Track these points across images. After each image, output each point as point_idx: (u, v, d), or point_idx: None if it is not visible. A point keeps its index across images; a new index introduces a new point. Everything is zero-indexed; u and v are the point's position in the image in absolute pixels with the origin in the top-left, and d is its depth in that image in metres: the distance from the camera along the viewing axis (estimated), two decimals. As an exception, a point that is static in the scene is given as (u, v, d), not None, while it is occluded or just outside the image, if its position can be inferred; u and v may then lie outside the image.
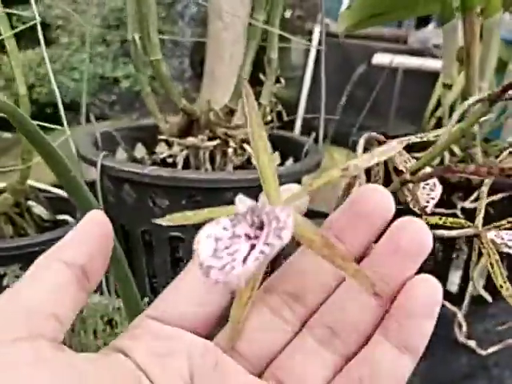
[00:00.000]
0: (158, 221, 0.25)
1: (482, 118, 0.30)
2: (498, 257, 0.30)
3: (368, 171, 0.34)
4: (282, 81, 0.68)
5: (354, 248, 0.23)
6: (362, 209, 0.23)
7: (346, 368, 0.23)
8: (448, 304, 0.67)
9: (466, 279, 0.67)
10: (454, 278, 0.67)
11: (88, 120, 0.63)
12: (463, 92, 0.61)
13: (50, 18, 1.67)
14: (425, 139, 0.32)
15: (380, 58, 1.55)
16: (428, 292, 0.22)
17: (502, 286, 0.29)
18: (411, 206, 0.33)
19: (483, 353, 0.66)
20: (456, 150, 0.66)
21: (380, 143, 0.33)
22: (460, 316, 0.65)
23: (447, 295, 0.69)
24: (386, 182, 0.33)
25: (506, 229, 0.31)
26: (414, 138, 0.32)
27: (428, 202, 0.33)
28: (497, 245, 0.30)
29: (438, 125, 0.73)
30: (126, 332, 0.24)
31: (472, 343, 0.66)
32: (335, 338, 0.23)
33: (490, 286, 0.33)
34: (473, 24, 0.51)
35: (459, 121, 0.29)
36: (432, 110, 0.72)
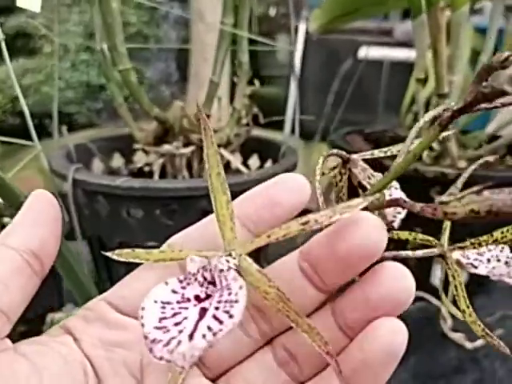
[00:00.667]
0: (109, 254, 0.25)
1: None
2: (461, 279, 0.29)
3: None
4: (257, 83, 0.68)
5: (330, 281, 0.22)
6: (342, 245, 0.21)
7: None
8: (432, 298, 0.67)
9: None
10: (438, 272, 0.67)
11: (60, 132, 0.62)
12: (435, 87, 0.61)
13: (33, 27, 1.67)
14: (388, 153, 0.32)
15: (366, 52, 1.54)
16: (390, 337, 0.20)
17: (464, 311, 0.28)
18: None
19: (470, 346, 0.66)
20: (434, 144, 0.66)
21: (344, 160, 0.32)
22: (444, 310, 0.65)
23: (431, 289, 0.69)
24: (351, 198, 0.32)
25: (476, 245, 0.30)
26: (377, 153, 0.32)
27: (395, 216, 0.32)
28: (463, 265, 0.30)
29: (415, 120, 0.73)
30: (79, 312, 0.23)
31: (458, 336, 0.66)
32: (293, 362, 0.23)
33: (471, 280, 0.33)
34: (437, 19, 0.51)
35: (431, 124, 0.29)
36: (408, 105, 0.72)
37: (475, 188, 0.62)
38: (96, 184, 0.54)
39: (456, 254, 0.30)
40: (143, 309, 0.19)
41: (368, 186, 0.32)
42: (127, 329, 0.22)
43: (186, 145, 0.64)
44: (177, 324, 0.18)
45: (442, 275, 0.67)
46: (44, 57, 1.71)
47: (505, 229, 0.28)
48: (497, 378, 0.78)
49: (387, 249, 0.24)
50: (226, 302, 0.18)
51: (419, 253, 0.30)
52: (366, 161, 0.33)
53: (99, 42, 0.60)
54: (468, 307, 0.28)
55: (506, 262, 0.29)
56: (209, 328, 0.17)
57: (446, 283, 0.68)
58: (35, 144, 0.55)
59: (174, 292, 0.20)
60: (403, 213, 0.33)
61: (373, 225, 0.21)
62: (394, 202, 0.24)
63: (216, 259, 0.21)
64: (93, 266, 0.65)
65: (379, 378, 0.21)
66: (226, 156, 0.64)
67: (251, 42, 0.64)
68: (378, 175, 0.33)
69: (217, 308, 0.18)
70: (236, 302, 0.18)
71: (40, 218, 0.22)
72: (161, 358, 0.17)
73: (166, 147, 0.63)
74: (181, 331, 0.18)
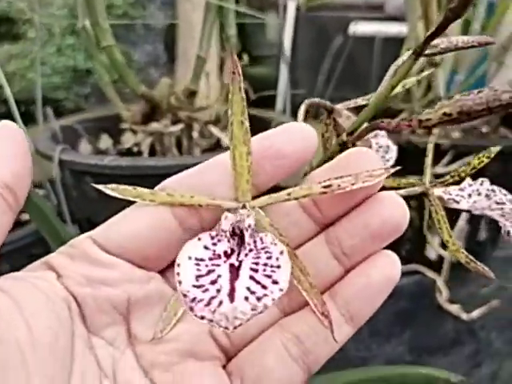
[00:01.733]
0: (100, 187, 0.23)
1: (422, 75, 0.29)
2: (443, 213, 0.29)
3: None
4: (245, 57, 0.66)
5: (328, 213, 0.23)
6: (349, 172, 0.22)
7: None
8: (428, 271, 0.67)
9: (444, 245, 0.66)
10: (433, 245, 0.67)
11: (45, 116, 0.61)
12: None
13: (15, 12, 1.63)
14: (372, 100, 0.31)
15: (356, 28, 1.52)
16: (386, 269, 0.22)
17: (448, 241, 0.28)
18: None
19: (466, 317, 0.66)
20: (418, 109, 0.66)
21: (328, 110, 0.32)
22: (440, 282, 0.65)
23: (427, 262, 0.69)
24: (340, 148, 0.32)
25: (452, 184, 0.30)
26: (360, 101, 0.31)
27: (385, 164, 0.32)
28: (445, 201, 0.30)
29: (408, 92, 0.72)
30: (64, 249, 0.22)
31: (455, 308, 0.66)
32: (301, 345, 0.22)
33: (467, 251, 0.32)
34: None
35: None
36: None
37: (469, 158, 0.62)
38: (83, 164, 0.53)
39: (438, 191, 0.30)
40: (179, 265, 0.18)
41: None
42: (113, 267, 0.22)
43: (174, 123, 0.63)
44: (213, 282, 0.18)
45: (439, 246, 0.67)
46: (29, 42, 1.68)
47: (480, 154, 0.28)
48: (493, 348, 0.78)
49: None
50: (265, 265, 0.18)
51: (402, 191, 0.30)
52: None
53: (81, 19, 0.58)
54: (450, 237, 0.28)
55: (487, 195, 0.29)
56: (249, 290, 0.17)
57: (441, 256, 0.67)
58: (19, 125, 0.54)
59: (206, 248, 0.19)
60: (392, 160, 0.33)
61: (373, 159, 0.22)
62: (374, 125, 0.24)
63: (246, 215, 0.20)
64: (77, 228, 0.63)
65: (376, 302, 0.22)
66: (215, 133, 0.62)
67: (240, 17, 0.63)
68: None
69: (255, 270, 0.18)
70: (278, 267, 0.18)
71: (9, 151, 0.21)
72: (202, 318, 0.17)
73: (154, 126, 0.61)
74: (219, 290, 0.17)
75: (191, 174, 0.23)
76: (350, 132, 0.26)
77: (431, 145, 0.31)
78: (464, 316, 0.64)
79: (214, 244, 0.19)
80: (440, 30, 0.21)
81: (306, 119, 0.32)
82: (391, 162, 0.34)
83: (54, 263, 0.22)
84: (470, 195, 0.29)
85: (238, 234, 0.20)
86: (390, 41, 1.52)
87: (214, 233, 0.20)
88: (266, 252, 0.18)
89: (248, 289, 0.17)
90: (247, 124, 0.21)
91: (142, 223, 0.22)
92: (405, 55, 0.26)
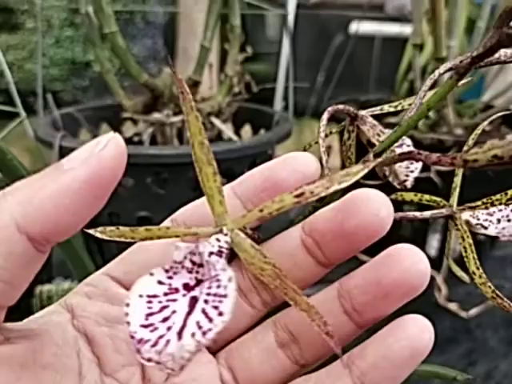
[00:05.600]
0: (91, 231, 0.23)
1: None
2: (471, 241, 0.27)
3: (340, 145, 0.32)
4: (249, 50, 0.65)
5: (333, 257, 0.21)
6: (350, 221, 0.20)
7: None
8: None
9: (444, 242, 0.66)
10: (433, 242, 0.67)
11: (46, 105, 0.60)
12: (433, 52, 0.59)
13: (14, 2, 1.61)
14: (399, 107, 0.30)
15: (357, 27, 1.52)
16: (411, 338, 0.20)
17: (474, 273, 0.27)
18: (390, 180, 0.31)
19: (465, 315, 0.66)
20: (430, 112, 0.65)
21: (351, 116, 0.31)
22: (439, 280, 0.65)
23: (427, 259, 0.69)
24: (360, 157, 0.31)
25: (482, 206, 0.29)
26: (386, 108, 0.30)
27: (407, 175, 0.31)
28: (472, 226, 0.29)
29: (411, 89, 0.71)
30: (80, 288, 0.22)
31: (453, 306, 0.66)
32: (294, 344, 0.22)
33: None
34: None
35: (431, 88, 0.28)
36: (403, 73, 0.70)
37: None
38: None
39: (465, 215, 0.28)
40: (128, 305, 0.17)
41: (377, 144, 0.31)
42: None
43: (176, 113, 0.62)
44: (165, 320, 0.16)
45: (439, 244, 0.67)
46: (27, 32, 1.66)
47: None
48: (488, 347, 0.78)
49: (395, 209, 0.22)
50: (214, 295, 0.17)
51: (427, 213, 0.29)
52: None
53: (84, 4, 0.58)
54: (478, 268, 0.27)
55: None
56: (198, 325, 0.16)
57: (441, 253, 0.67)
58: (19, 111, 0.53)
59: (161, 283, 0.18)
60: (416, 171, 0.31)
61: (381, 202, 0.20)
62: (407, 155, 0.23)
63: (204, 243, 0.19)
64: (82, 240, 0.63)
65: (398, 376, 0.20)
66: (217, 125, 0.62)
67: (243, 8, 0.62)
68: (389, 132, 0.31)
69: (206, 301, 0.17)
70: (225, 296, 0.16)
71: None
72: (149, 360, 0.16)
73: (156, 115, 0.61)
74: (169, 328, 0.16)
75: (200, 204, 0.22)
76: (377, 153, 0.25)
77: (460, 171, 0.30)
78: (463, 314, 0.64)
79: (170, 277, 0.18)
80: (489, 53, 0.20)
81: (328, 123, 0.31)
82: (416, 174, 0.32)
83: (70, 304, 0.21)
84: (498, 221, 0.28)
85: (201, 265, 0.18)
86: (389, 41, 1.52)
87: (167, 266, 0.18)
88: (217, 280, 0.17)
89: (197, 323, 0.16)
90: (207, 143, 0.20)
91: (154, 254, 0.22)
92: (441, 69, 0.25)
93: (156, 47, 1.80)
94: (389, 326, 0.20)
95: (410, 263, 0.20)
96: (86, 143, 0.16)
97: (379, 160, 0.25)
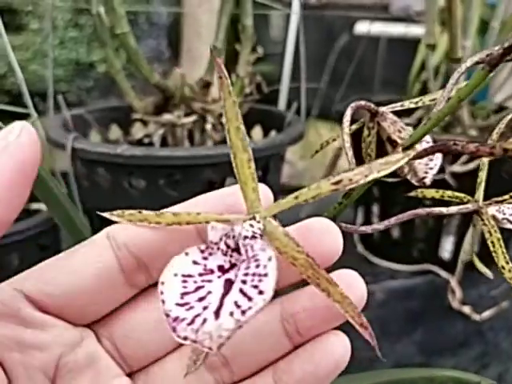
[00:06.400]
0: (106, 215, 0.22)
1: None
2: (499, 235, 0.27)
3: (359, 142, 0.31)
4: (260, 50, 0.65)
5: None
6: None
7: None
8: (441, 271, 0.66)
9: (458, 245, 0.65)
10: (446, 245, 0.66)
11: (57, 107, 0.59)
12: (447, 52, 0.59)
13: (18, 3, 1.61)
14: (420, 104, 0.30)
15: (362, 28, 1.52)
16: (338, 353, 0.21)
17: (504, 267, 0.26)
18: (408, 177, 0.30)
19: (478, 318, 0.66)
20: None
21: (372, 113, 0.30)
22: (453, 282, 0.64)
23: (440, 262, 0.68)
24: (380, 154, 0.30)
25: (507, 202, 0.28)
26: (407, 104, 0.30)
27: (427, 172, 0.30)
28: (498, 221, 0.28)
29: (424, 90, 0.71)
30: None
31: (466, 309, 0.66)
32: (224, 367, 0.21)
33: (483, 252, 0.31)
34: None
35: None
36: (416, 74, 0.70)
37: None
38: (96, 153, 0.51)
39: (492, 209, 0.28)
40: (163, 283, 0.17)
41: (399, 141, 0.30)
42: (46, 328, 0.20)
43: (187, 114, 0.61)
44: (201, 299, 0.16)
45: (453, 247, 0.66)
46: (31, 33, 1.66)
47: None
48: (500, 350, 0.78)
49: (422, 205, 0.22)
50: (253, 274, 0.16)
51: (453, 209, 0.28)
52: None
53: (95, 4, 0.57)
54: (507, 263, 0.27)
55: None
56: (236, 304, 0.16)
57: (455, 256, 0.66)
58: (31, 112, 0.52)
59: (196, 263, 0.18)
60: (436, 168, 0.31)
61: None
62: (441, 147, 0.22)
63: (239, 225, 0.19)
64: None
65: None
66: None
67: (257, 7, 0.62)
68: (409, 129, 0.30)
69: (244, 282, 0.16)
70: (265, 275, 0.16)
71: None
72: (185, 338, 0.15)
73: (167, 117, 0.60)
74: (205, 307, 0.16)
75: (207, 198, 0.22)
76: (405, 147, 0.24)
77: (485, 167, 0.30)
78: (477, 317, 0.64)
79: (205, 258, 0.18)
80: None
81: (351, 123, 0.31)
82: (435, 171, 0.31)
83: None
84: None
85: (235, 249, 0.18)
86: (394, 41, 1.51)
87: (203, 246, 0.18)
88: (256, 260, 0.17)
89: (235, 303, 0.16)
90: (243, 129, 0.19)
91: (85, 277, 0.20)
92: (468, 62, 0.25)
93: (160, 48, 1.80)
94: (315, 341, 0.21)
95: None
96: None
97: (419, 150, 0.24)
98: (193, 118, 0.60)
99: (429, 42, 0.62)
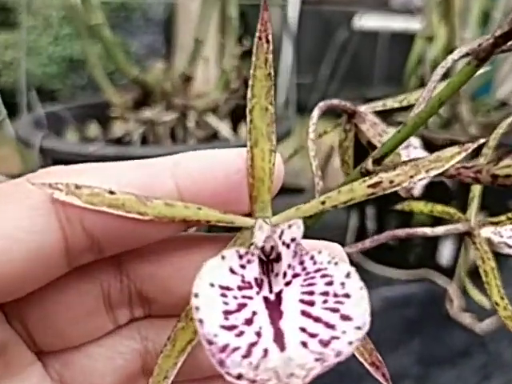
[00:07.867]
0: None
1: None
2: (493, 263, 0.22)
3: (359, 142, 0.27)
4: (246, 42, 0.61)
5: None
6: None
7: None
8: (439, 278, 0.63)
9: (457, 251, 0.62)
10: (444, 250, 0.62)
11: (29, 106, 0.56)
12: (446, 44, 0.55)
13: (13, 1, 1.58)
14: (404, 102, 0.26)
15: (360, 22, 1.48)
16: None
17: (497, 304, 0.22)
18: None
19: (479, 330, 0.62)
20: (441, 110, 0.61)
21: (348, 113, 0.26)
22: (451, 291, 0.61)
23: (438, 268, 0.64)
24: (359, 161, 0.26)
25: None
26: (390, 103, 0.26)
27: (414, 183, 0.27)
28: (494, 244, 0.23)
29: (421, 84, 0.67)
30: None
31: (466, 317, 0.62)
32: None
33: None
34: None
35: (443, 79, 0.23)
36: (412, 68, 0.66)
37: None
38: (66, 153, 0.48)
39: (486, 231, 0.23)
40: (197, 295, 0.12)
41: (379, 145, 0.26)
42: None
43: (168, 110, 0.58)
44: (248, 322, 0.12)
45: (451, 252, 0.62)
46: (26, 31, 1.63)
47: None
48: (502, 360, 0.74)
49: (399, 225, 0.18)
50: (325, 294, 0.13)
51: (440, 229, 0.24)
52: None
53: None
54: (502, 298, 0.22)
55: None
56: (307, 332, 0.12)
57: (453, 262, 0.63)
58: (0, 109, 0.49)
59: (233, 272, 0.13)
60: (424, 179, 0.27)
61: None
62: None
63: (277, 229, 0.14)
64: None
65: None
66: (212, 123, 0.58)
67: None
68: (393, 131, 0.27)
69: (309, 303, 0.13)
70: (346, 296, 0.12)
71: None
72: (239, 377, 0.11)
73: (147, 113, 0.57)
74: (258, 334, 0.12)
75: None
76: (376, 158, 0.20)
77: (478, 187, 0.25)
78: (476, 327, 0.60)
79: (243, 266, 0.13)
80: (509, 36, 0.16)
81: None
82: (425, 181, 0.28)
83: None
84: None
85: (267, 256, 0.14)
86: (393, 36, 1.48)
87: (242, 250, 0.14)
88: (324, 276, 0.13)
89: (303, 330, 0.12)
90: (273, 111, 0.15)
91: (17, 254, 0.15)
92: (455, 54, 0.21)
93: (155, 43, 1.77)
94: None
95: None
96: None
97: (471, 147, 0.20)
98: (174, 115, 0.56)
99: (426, 34, 0.59)
